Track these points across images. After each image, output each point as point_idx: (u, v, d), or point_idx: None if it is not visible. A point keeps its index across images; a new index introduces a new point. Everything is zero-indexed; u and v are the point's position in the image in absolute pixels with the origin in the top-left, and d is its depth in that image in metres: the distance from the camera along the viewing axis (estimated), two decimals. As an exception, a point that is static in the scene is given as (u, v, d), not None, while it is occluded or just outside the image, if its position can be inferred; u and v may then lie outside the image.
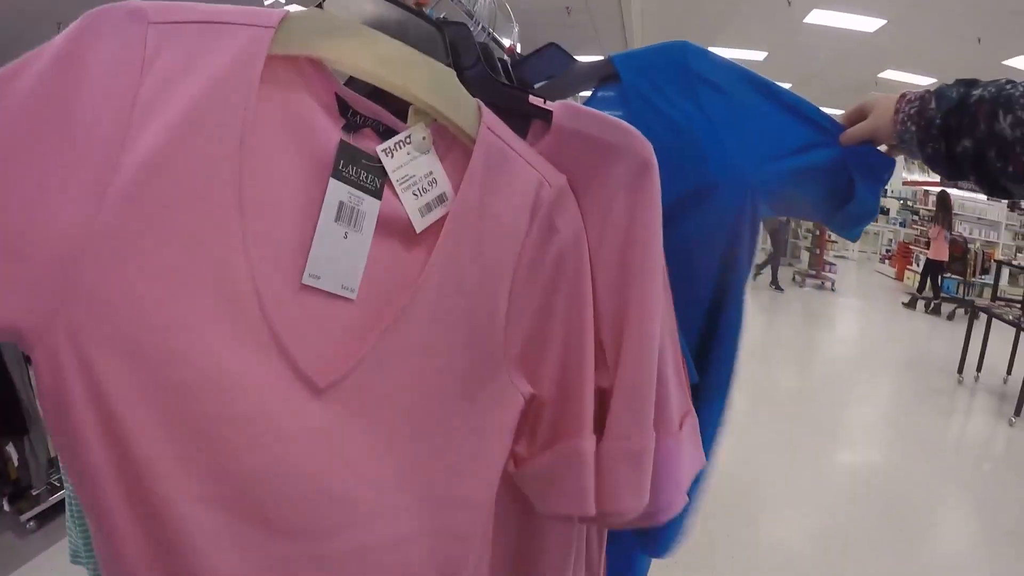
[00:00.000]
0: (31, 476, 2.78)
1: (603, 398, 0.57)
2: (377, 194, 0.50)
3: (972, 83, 0.69)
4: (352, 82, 0.54)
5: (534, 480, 0.58)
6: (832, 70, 8.89)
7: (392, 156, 0.51)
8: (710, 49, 0.78)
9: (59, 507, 2.81)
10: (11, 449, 2.73)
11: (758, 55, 8.24)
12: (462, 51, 0.59)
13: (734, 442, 3.48)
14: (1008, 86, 0.64)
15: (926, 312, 7.32)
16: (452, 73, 0.53)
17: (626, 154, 0.56)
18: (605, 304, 0.57)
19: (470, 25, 0.83)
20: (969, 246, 7.81)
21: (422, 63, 0.52)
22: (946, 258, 7.39)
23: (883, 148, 0.79)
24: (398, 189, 0.51)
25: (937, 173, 0.75)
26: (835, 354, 5.73)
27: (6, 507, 2.77)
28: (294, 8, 0.49)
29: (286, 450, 0.44)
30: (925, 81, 8.95)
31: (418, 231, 0.51)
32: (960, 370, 4.76)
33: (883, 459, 3.48)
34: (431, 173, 0.52)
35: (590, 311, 0.56)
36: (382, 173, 0.50)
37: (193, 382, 0.40)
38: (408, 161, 0.52)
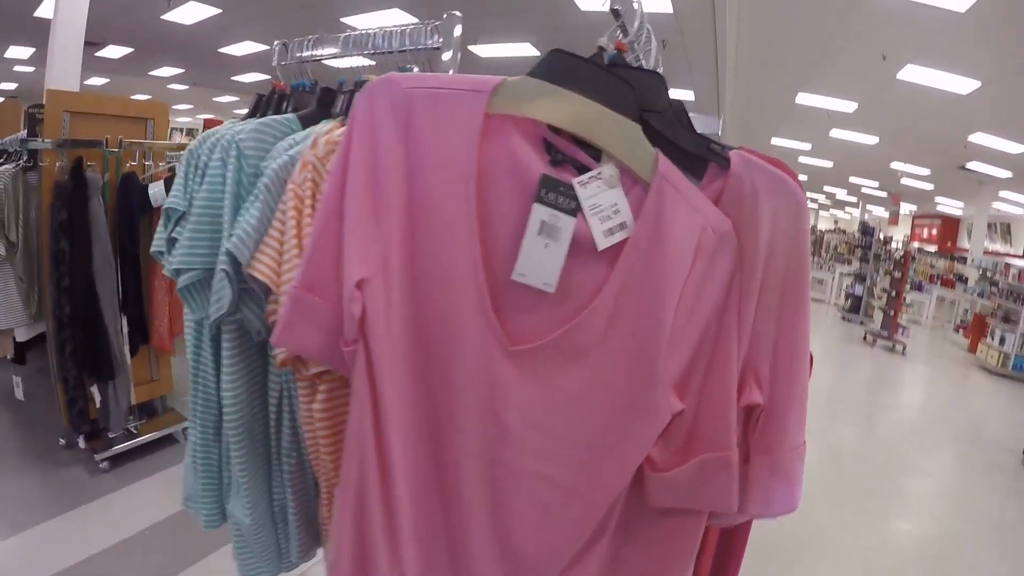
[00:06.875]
0: (110, 419, 2.97)
1: (749, 413, 0.67)
2: (572, 214, 0.64)
3: None
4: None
5: (679, 482, 0.66)
6: (921, 128, 8.64)
7: (585, 187, 0.65)
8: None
9: (133, 452, 3.02)
10: (95, 391, 2.90)
11: (849, 105, 8.09)
12: (655, 98, 0.71)
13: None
14: None
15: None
16: (638, 128, 0.66)
17: (787, 196, 0.65)
18: (764, 326, 0.66)
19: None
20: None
21: (609, 120, 0.66)
22: None
23: None
24: (587, 215, 0.64)
25: None
26: (899, 419, 5.57)
27: (82, 444, 2.97)
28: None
29: (475, 382, 0.63)
30: (1016, 148, 8.61)
31: (599, 249, 0.64)
32: (1026, 450, 4.58)
33: (936, 531, 3.38)
34: (615, 204, 0.65)
35: (735, 344, 0.65)
36: (577, 199, 0.64)
37: (438, 328, 0.64)
38: (597, 193, 0.65)
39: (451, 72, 1.02)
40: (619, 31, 0.87)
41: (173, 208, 0.95)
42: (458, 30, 1.02)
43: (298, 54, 1.20)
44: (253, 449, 0.99)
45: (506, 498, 0.65)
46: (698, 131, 0.77)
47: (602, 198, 0.64)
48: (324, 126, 0.91)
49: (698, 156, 0.69)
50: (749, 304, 0.65)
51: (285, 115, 0.98)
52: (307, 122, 0.98)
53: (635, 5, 0.87)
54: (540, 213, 0.62)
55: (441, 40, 1.00)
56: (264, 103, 1.17)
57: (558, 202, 0.63)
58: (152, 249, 0.99)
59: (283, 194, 0.81)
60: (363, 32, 1.08)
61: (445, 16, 1.03)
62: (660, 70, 1.05)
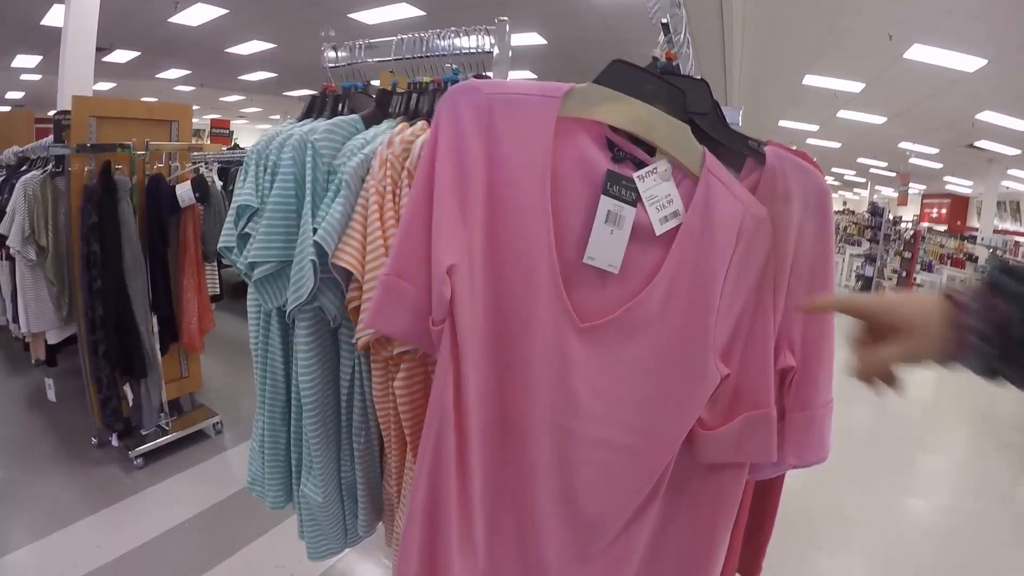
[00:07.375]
0: (143, 417, 3.05)
1: (784, 375, 0.76)
2: (633, 204, 0.72)
3: None
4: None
5: (726, 438, 0.75)
6: (929, 107, 8.62)
7: (643, 181, 0.73)
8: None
9: (165, 448, 3.09)
10: (127, 390, 2.97)
11: (855, 86, 8.08)
12: (701, 102, 0.80)
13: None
14: None
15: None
16: (687, 128, 0.74)
17: (813, 184, 0.75)
18: (795, 297, 0.74)
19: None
20: None
21: (663, 121, 0.74)
22: None
23: None
24: (646, 204, 0.72)
25: None
26: (912, 399, 5.61)
27: (115, 443, 3.04)
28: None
29: (548, 356, 0.71)
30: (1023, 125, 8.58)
31: (657, 234, 0.72)
32: (1040, 426, 4.61)
33: (950, 506, 3.44)
34: (669, 195, 0.73)
35: (771, 315, 0.74)
36: (637, 191, 0.72)
37: (514, 309, 0.71)
38: (654, 185, 0.73)
39: (507, 74, 1.09)
40: (667, 43, 0.94)
41: (246, 205, 1.00)
42: (507, 27, 1.08)
43: (345, 54, 1.27)
44: (326, 430, 1.06)
45: (573, 465, 0.72)
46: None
47: (658, 190, 0.72)
48: (395, 125, 0.98)
49: (737, 152, 0.78)
50: (783, 279, 0.73)
51: (349, 116, 1.05)
52: (369, 122, 1.05)
53: (681, 14, 0.93)
54: (607, 204, 0.70)
55: (495, 43, 1.06)
56: (319, 104, 1.22)
57: (621, 194, 0.71)
58: (220, 245, 1.04)
59: (361, 190, 0.88)
60: (417, 35, 1.14)
61: (497, 21, 1.09)
62: (692, 70, 1.11)
